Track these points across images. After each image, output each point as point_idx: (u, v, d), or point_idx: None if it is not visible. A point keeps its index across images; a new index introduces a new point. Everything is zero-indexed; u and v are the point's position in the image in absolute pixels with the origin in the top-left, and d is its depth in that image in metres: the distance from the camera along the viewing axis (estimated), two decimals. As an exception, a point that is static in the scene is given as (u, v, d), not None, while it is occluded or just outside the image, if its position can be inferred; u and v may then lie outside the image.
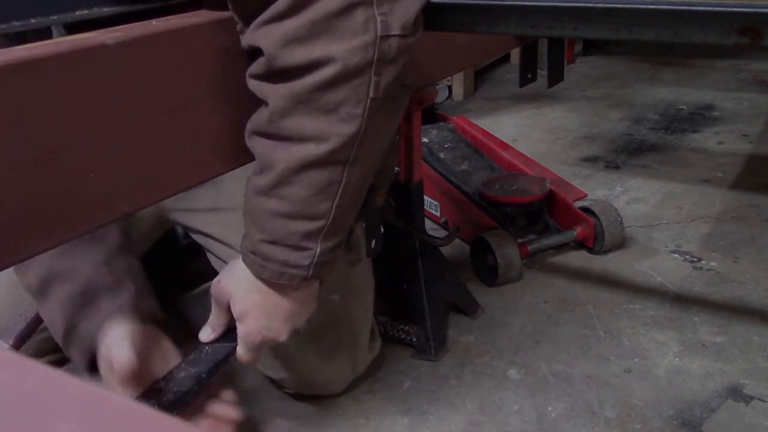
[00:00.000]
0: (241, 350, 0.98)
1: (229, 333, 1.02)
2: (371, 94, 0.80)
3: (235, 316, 0.96)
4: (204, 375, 0.98)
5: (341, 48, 0.77)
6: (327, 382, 1.29)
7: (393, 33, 0.78)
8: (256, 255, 0.89)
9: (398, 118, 0.89)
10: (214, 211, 1.29)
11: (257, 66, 0.82)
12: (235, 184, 1.26)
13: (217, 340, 1.01)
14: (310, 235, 0.87)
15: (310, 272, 0.89)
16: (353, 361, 1.29)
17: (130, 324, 1.02)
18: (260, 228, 0.87)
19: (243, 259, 0.91)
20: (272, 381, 1.32)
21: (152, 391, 0.97)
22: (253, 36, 0.80)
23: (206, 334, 1.00)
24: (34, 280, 1.06)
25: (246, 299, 0.94)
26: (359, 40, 0.77)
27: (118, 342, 1.00)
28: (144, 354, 1.01)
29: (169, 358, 1.04)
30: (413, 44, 0.82)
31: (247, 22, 0.82)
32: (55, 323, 1.05)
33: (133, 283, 1.08)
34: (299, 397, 1.31)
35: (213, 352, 1.00)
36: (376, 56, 0.78)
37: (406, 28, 0.79)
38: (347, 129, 0.80)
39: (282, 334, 0.97)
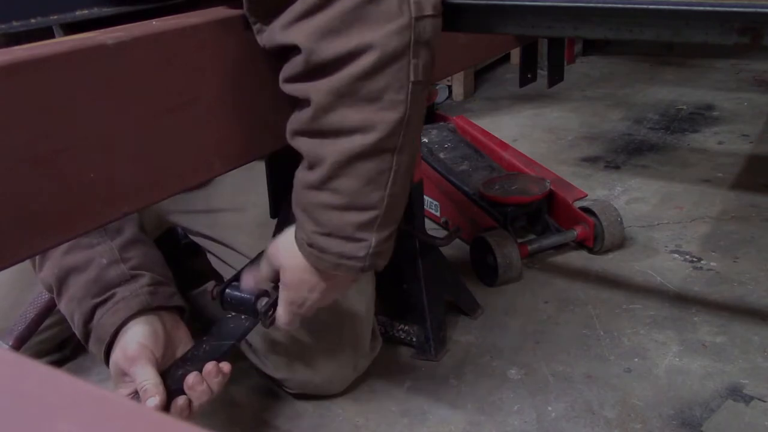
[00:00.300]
0: (281, 311, 0.99)
1: (230, 330, 1.02)
2: (412, 78, 0.80)
3: (281, 282, 0.98)
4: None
5: (378, 34, 0.76)
6: (328, 382, 1.29)
7: (427, 13, 0.78)
8: (312, 247, 0.89)
9: (425, 104, 0.89)
10: (211, 212, 1.29)
11: (292, 67, 0.81)
12: (232, 183, 1.26)
13: (216, 338, 1.01)
14: (364, 226, 0.87)
15: (367, 263, 0.89)
16: (354, 360, 1.29)
17: (145, 312, 1.03)
18: (314, 221, 0.88)
19: (299, 250, 0.92)
20: (273, 381, 1.32)
21: None
22: (284, 35, 0.79)
23: (249, 283, 1.01)
24: (51, 276, 1.07)
25: (295, 275, 0.95)
26: (395, 24, 0.76)
27: (131, 330, 1.00)
28: (158, 341, 1.01)
29: (183, 344, 1.04)
30: (441, 25, 0.82)
31: (267, 20, 0.81)
32: (73, 316, 1.06)
33: (149, 270, 1.08)
34: (300, 396, 1.31)
35: (211, 350, 1.00)
36: (413, 38, 0.78)
37: (437, 8, 0.80)
38: (392, 116, 0.80)
39: (317, 305, 1.00)
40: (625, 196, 2.06)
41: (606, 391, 1.28)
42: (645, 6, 0.74)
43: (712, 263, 1.68)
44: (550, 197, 1.79)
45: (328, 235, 0.87)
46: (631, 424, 1.20)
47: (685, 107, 2.83)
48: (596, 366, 1.35)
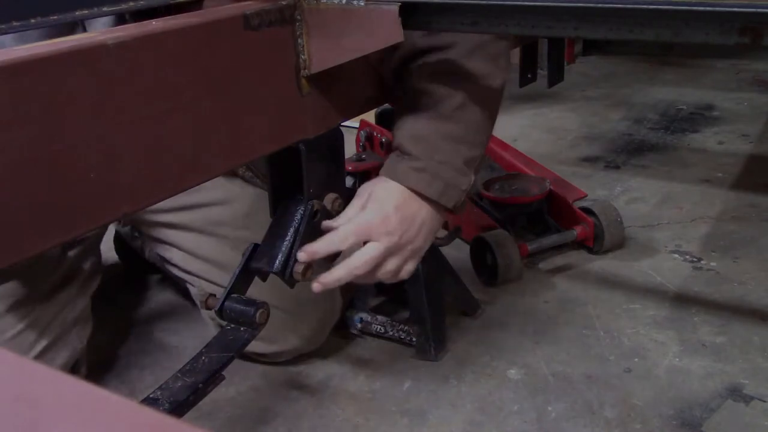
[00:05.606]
0: (355, 266, 1.01)
1: (229, 342, 1.02)
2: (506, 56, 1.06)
3: (377, 235, 1.00)
4: (200, 385, 0.97)
5: None
6: (314, 343, 1.38)
7: None
8: (424, 172, 1.01)
9: None
10: (194, 208, 1.32)
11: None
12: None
13: (215, 350, 1.01)
14: (469, 163, 1.04)
15: (461, 200, 1.05)
16: (332, 312, 1.38)
17: None
18: (433, 148, 1.01)
19: (405, 180, 1.02)
20: (247, 358, 1.38)
21: (148, 400, 0.96)
22: None
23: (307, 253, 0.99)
24: None
25: (401, 213, 1.02)
26: None
27: None
28: None
29: None
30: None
31: None
32: None
33: None
34: (278, 362, 1.34)
35: (209, 362, 1.00)
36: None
37: None
38: (504, 75, 1.04)
39: (404, 260, 1.05)
40: (625, 196, 2.06)
41: (606, 391, 1.28)
42: (645, 6, 0.74)
43: (712, 263, 1.68)
44: (550, 197, 1.79)
45: (442, 162, 1.01)
46: (631, 424, 1.20)
47: (685, 107, 2.83)
48: (596, 366, 1.35)
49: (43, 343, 1.20)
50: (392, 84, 1.09)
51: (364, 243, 1.01)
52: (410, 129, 1.03)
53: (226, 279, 1.05)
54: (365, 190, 1.04)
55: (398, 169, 1.02)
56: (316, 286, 1.00)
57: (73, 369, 1.32)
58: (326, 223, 1.01)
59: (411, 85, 1.04)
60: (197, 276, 1.36)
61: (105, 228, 1.42)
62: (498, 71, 1.03)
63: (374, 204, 1.01)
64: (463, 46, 1.00)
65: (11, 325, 1.16)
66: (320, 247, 0.99)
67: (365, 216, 1.01)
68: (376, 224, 1.00)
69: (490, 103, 1.04)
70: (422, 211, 1.04)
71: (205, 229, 1.33)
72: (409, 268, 1.06)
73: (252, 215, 1.30)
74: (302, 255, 0.98)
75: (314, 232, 1.01)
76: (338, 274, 1.00)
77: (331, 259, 1.03)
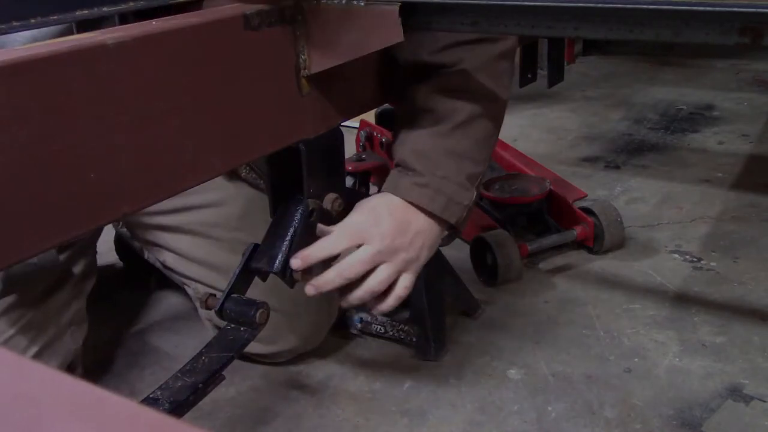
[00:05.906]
0: (363, 257, 0.99)
1: (228, 342, 1.01)
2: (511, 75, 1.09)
3: (371, 240, 0.99)
4: (200, 385, 0.97)
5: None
6: (312, 342, 1.38)
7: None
8: (427, 188, 1.01)
9: None
10: (186, 210, 1.32)
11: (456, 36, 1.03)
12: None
13: (215, 351, 1.01)
14: (472, 178, 1.04)
15: (463, 215, 1.04)
16: (330, 309, 1.38)
17: None
18: (435, 164, 1.01)
19: (407, 195, 1.01)
20: (246, 359, 1.37)
21: (148, 400, 0.96)
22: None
23: (297, 263, 0.98)
24: None
25: (398, 221, 1.01)
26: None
27: None
28: None
29: None
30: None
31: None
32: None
33: None
34: (278, 363, 1.35)
35: (209, 362, 1.00)
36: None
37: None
38: (506, 94, 1.07)
39: (414, 255, 1.04)
40: (625, 196, 2.06)
41: (606, 391, 1.28)
42: (645, 6, 0.74)
43: (712, 263, 1.68)
44: (550, 197, 1.79)
45: (444, 177, 1.01)
46: (631, 424, 1.20)
47: (685, 107, 2.83)
48: (596, 366, 1.35)
49: (35, 348, 1.20)
50: (395, 96, 1.09)
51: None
52: (413, 144, 1.03)
53: (220, 282, 1.05)
54: (364, 203, 1.04)
55: (400, 184, 1.02)
56: (309, 288, 0.99)
57: (68, 370, 1.31)
58: (321, 228, 1.01)
59: (415, 100, 1.04)
60: (192, 279, 1.36)
61: (100, 229, 1.41)
62: (502, 90, 1.05)
63: (368, 211, 1.01)
64: (469, 64, 1.01)
65: (2, 330, 1.16)
66: (313, 251, 0.98)
67: (357, 218, 1.01)
68: (368, 226, 0.99)
69: (494, 120, 1.05)
70: (419, 220, 1.02)
71: (198, 231, 1.32)
72: (405, 282, 1.03)
73: (246, 217, 1.30)
74: (296, 262, 0.97)
75: (312, 231, 1.01)
76: (329, 276, 0.99)
77: (328, 263, 1.03)
